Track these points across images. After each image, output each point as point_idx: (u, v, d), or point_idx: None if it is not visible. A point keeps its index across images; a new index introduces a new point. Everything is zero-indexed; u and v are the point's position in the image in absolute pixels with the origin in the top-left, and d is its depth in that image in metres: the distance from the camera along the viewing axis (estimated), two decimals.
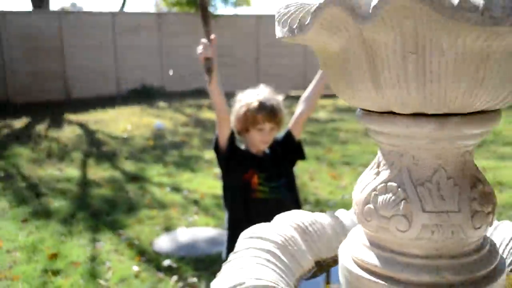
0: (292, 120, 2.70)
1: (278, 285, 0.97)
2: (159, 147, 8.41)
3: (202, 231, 4.81)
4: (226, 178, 2.63)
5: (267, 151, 2.61)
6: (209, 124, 10.30)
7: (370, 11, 0.71)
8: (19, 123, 10.67)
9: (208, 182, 6.27)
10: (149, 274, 3.89)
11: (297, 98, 12.94)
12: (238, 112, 2.47)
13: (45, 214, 5.22)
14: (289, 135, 2.66)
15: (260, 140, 2.47)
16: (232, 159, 2.52)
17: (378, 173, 0.98)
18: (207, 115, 11.49)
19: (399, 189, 0.92)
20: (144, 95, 14.13)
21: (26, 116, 11.27)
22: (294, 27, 0.83)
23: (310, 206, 5.38)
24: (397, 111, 0.88)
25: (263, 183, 2.49)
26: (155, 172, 6.86)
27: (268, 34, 15.34)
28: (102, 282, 3.76)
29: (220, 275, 1.04)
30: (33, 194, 5.94)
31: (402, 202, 0.91)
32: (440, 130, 0.88)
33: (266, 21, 15.37)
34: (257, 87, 2.57)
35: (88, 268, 3.98)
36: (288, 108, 10.62)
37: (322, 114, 11.51)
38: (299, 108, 2.68)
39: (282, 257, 1.11)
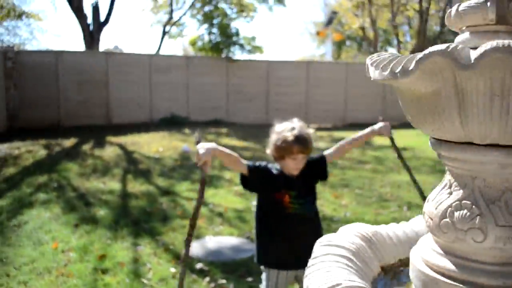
0: (328, 152, 2.67)
1: (366, 286, 0.92)
2: (186, 167, 8.35)
3: (226, 239, 4.72)
4: (261, 197, 2.57)
5: (298, 172, 2.56)
6: (228, 148, 10.23)
7: (472, 62, 0.73)
8: (68, 142, 10.65)
9: (230, 198, 6.19)
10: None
11: None
12: (275, 142, 2.41)
13: (92, 220, 5.14)
14: (323, 161, 2.61)
15: (293, 168, 2.43)
16: (262, 183, 2.49)
17: (451, 193, 0.97)
18: (226, 140, 11.44)
19: (473, 206, 0.91)
20: (172, 123, 14.14)
21: (74, 137, 11.26)
22: (397, 71, 0.81)
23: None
24: (476, 142, 0.88)
25: (293, 201, 2.45)
26: (183, 187, 6.78)
27: (276, 76, 15.41)
28: (145, 281, 3.66)
29: (311, 277, 0.97)
30: (82, 203, 5.86)
31: (477, 217, 0.90)
32: (509, 158, 0.87)
33: (275, 65, 15.46)
34: (291, 121, 2.52)
35: (132, 268, 3.89)
36: None
37: (321, 144, 11.43)
38: (336, 148, 2.67)
39: (357, 263, 1.06)
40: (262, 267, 2.56)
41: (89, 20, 15.35)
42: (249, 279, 3.76)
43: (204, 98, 15.00)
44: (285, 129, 2.40)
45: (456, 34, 1.01)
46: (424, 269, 0.97)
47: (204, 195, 2.21)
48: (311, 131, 2.47)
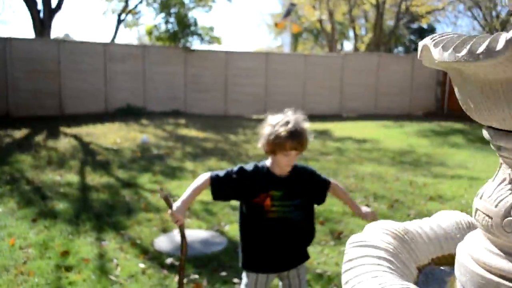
0: (336, 185, 2.48)
1: None
2: (146, 158, 8.08)
3: (195, 233, 4.56)
4: (241, 203, 2.40)
5: (289, 171, 2.36)
6: (187, 140, 10.02)
7: None
8: (19, 133, 10.09)
9: None
10: (155, 271, 3.62)
11: (259, 121, 12.96)
12: (267, 137, 2.20)
13: (51, 214, 4.84)
14: (326, 184, 2.43)
15: (285, 164, 2.25)
16: (234, 190, 2.30)
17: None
18: (185, 131, 11.21)
19: None
20: (128, 114, 13.70)
21: (25, 128, 10.68)
22: (478, 52, 0.69)
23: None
24: None
25: (277, 203, 2.26)
26: (145, 179, 6.55)
27: (235, 67, 15.23)
28: (112, 277, 3.45)
29: (355, 283, 0.86)
30: (38, 196, 5.52)
31: None
32: None
33: (234, 56, 15.26)
34: (286, 113, 2.28)
35: (97, 264, 3.67)
36: (252, 129, 10.56)
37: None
38: (342, 190, 2.49)
39: (398, 265, 0.95)
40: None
41: (40, 6, 14.57)
42: (223, 273, 3.63)
43: (161, 89, 14.63)
44: (279, 122, 2.20)
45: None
46: (479, 271, 0.87)
47: (187, 250, 2.27)
48: (307, 125, 2.26)
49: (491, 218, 0.87)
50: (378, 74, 16.89)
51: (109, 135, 10.14)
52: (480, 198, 0.92)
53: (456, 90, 0.90)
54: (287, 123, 2.19)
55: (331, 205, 5.57)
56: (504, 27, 22.90)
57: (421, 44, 0.86)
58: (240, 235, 2.42)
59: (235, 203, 2.52)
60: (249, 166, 2.34)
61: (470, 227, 1.20)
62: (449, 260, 1.15)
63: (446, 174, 7.65)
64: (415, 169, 7.95)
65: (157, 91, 14.58)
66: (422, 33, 27.00)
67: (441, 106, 17.73)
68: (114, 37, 16.64)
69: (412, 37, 27.41)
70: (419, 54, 0.88)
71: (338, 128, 12.90)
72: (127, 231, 4.45)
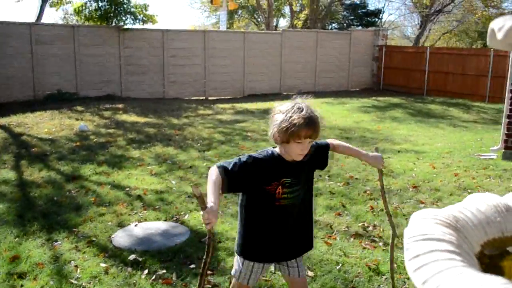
0: (333, 142, 2.47)
1: None
2: (86, 148, 7.66)
3: (154, 225, 4.38)
4: (248, 193, 2.27)
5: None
6: (128, 125, 9.62)
7: None
8: None
9: (147, 179, 5.78)
10: (118, 270, 3.42)
11: (198, 101, 12.62)
12: (279, 125, 2.06)
13: None
14: (327, 148, 2.41)
15: (297, 153, 2.12)
16: (248, 180, 2.17)
17: None
18: (124, 117, 10.77)
19: None
20: (60, 100, 12.95)
21: None
22: None
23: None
24: None
25: (287, 190, 2.19)
26: (90, 171, 6.20)
27: (172, 47, 14.79)
28: (73, 281, 3.23)
29: (440, 281, 0.78)
30: None
31: None
32: None
33: (171, 35, 14.79)
34: (294, 99, 2.16)
35: (54, 268, 3.41)
36: (194, 111, 10.32)
37: (226, 116, 11.29)
38: (341, 144, 2.49)
39: (465, 256, 0.89)
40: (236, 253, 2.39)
41: None
42: (192, 266, 3.51)
43: (94, 72, 13.92)
44: (291, 109, 2.07)
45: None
46: None
47: (212, 253, 2.04)
48: (318, 111, 2.15)
49: None
50: (316, 51, 17.08)
51: (42, 125, 9.52)
52: None
53: None
54: (300, 109, 2.06)
55: None
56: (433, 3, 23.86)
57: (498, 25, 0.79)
58: (243, 221, 2.31)
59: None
60: (259, 155, 2.22)
61: (509, 209, 1.16)
62: (494, 245, 1.12)
63: (392, 148, 7.89)
64: (363, 145, 8.13)
65: (90, 74, 13.87)
66: (355, 9, 27.57)
67: (377, 81, 18.29)
68: (39, 17, 15.54)
69: (346, 13, 27.93)
70: (493, 34, 0.81)
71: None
72: (80, 229, 4.19)
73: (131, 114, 11.24)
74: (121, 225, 4.33)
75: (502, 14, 22.01)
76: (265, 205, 2.22)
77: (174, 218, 4.53)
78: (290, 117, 2.04)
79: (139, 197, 5.08)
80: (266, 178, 2.17)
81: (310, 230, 2.45)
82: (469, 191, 5.35)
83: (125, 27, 14.23)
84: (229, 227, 4.25)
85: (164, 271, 3.42)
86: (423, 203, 5.04)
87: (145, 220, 4.47)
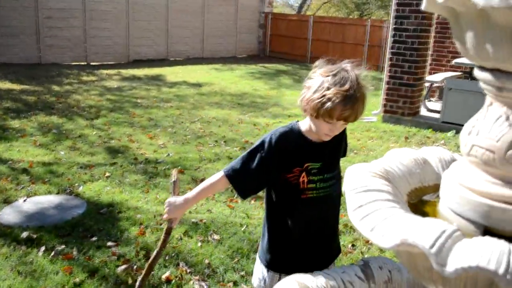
0: None
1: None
2: None
3: (46, 198, 4.10)
4: (269, 185, 1.85)
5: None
6: (3, 93, 8.72)
7: None
8: None
9: (32, 151, 5.34)
10: (10, 249, 3.17)
11: (79, 67, 11.89)
12: (312, 96, 1.63)
13: None
14: (345, 131, 1.89)
15: (325, 133, 1.69)
16: (269, 174, 1.77)
17: (510, 125, 0.93)
18: None
19: None
20: None
21: None
22: None
23: (143, 165, 5.01)
24: None
25: (315, 178, 1.75)
26: None
27: (46, 7, 13.56)
28: None
29: (384, 226, 0.85)
30: None
31: None
32: None
33: None
34: (343, 64, 1.68)
35: None
36: (76, 77, 9.70)
37: (112, 83, 10.75)
38: None
39: (402, 205, 0.99)
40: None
41: None
42: (93, 238, 3.37)
43: None
44: (333, 77, 1.62)
45: None
46: (484, 201, 0.96)
47: (166, 245, 1.87)
48: (368, 87, 1.67)
49: (493, 152, 0.94)
50: (204, 16, 16.86)
51: None
52: (477, 135, 0.98)
53: (470, 35, 0.91)
54: (344, 80, 1.60)
55: (185, 152, 5.54)
56: None
57: None
58: (268, 221, 1.89)
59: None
60: (274, 136, 1.75)
61: (426, 162, 1.29)
62: (416, 194, 1.24)
63: (283, 113, 8.19)
64: (255, 111, 8.32)
65: None
66: None
67: (263, 48, 18.65)
68: None
69: None
70: None
71: (169, 73, 12.65)
72: None
73: (4, 81, 10.17)
74: (7, 201, 3.98)
75: None
76: (289, 200, 1.79)
77: (68, 191, 4.28)
78: (328, 88, 1.60)
79: (25, 171, 4.70)
80: (284, 164, 1.74)
81: (337, 230, 2.02)
82: (355, 152, 5.78)
83: None
84: (128, 196, 4.14)
85: (63, 246, 3.24)
86: None
87: (35, 194, 4.16)
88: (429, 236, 0.80)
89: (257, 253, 1.95)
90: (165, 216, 1.80)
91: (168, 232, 1.84)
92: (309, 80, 1.70)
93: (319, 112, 1.61)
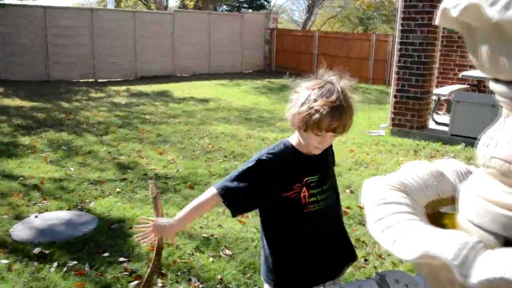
0: None
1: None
2: None
3: (56, 214, 4.12)
4: (266, 206, 1.84)
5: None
6: (13, 111, 8.82)
7: None
8: None
9: (42, 167, 5.39)
10: (23, 265, 3.19)
11: (87, 84, 12.05)
12: (299, 109, 1.63)
13: None
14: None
15: (315, 147, 1.70)
16: (265, 193, 1.76)
17: None
18: (7, 101, 9.85)
19: None
20: None
21: None
22: None
23: (153, 180, 5.03)
24: None
25: (314, 191, 1.76)
26: None
27: (55, 25, 13.77)
28: None
29: (404, 238, 0.86)
30: None
31: None
32: None
33: (54, 12, 13.74)
34: (326, 75, 1.70)
35: None
36: (84, 94, 9.82)
37: (120, 99, 10.84)
38: None
39: (421, 217, 1.00)
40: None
41: None
42: (105, 254, 3.38)
43: None
44: (319, 89, 1.63)
45: None
46: (503, 212, 0.97)
47: (160, 263, 1.78)
48: (355, 98, 1.69)
49: (509, 162, 0.95)
50: (209, 33, 17.03)
51: None
52: (495, 146, 0.99)
53: (485, 48, 0.93)
54: (330, 92, 1.62)
55: (194, 167, 5.56)
56: None
57: (456, 3, 0.87)
58: (267, 242, 1.84)
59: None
60: (269, 154, 1.74)
61: (442, 174, 1.30)
62: (433, 206, 1.25)
63: (291, 128, 8.16)
64: (263, 126, 8.36)
65: None
66: None
67: (269, 63, 18.78)
68: None
69: None
70: (442, 14, 0.90)
71: (176, 89, 12.75)
72: None
73: (14, 98, 10.30)
74: (19, 217, 4.01)
75: (381, 1, 23.71)
76: (290, 216, 1.78)
77: (79, 207, 4.30)
78: (314, 100, 1.60)
79: (35, 187, 4.73)
80: (283, 183, 1.73)
81: (347, 237, 2.00)
82: (365, 165, 5.78)
83: (1, 2, 12.94)
84: (139, 212, 4.15)
85: (75, 262, 3.25)
86: None
87: (46, 210, 4.19)
88: (451, 247, 0.81)
89: (261, 275, 1.92)
90: (152, 236, 1.73)
91: (159, 252, 1.76)
92: (295, 94, 1.70)
93: (307, 124, 1.61)
